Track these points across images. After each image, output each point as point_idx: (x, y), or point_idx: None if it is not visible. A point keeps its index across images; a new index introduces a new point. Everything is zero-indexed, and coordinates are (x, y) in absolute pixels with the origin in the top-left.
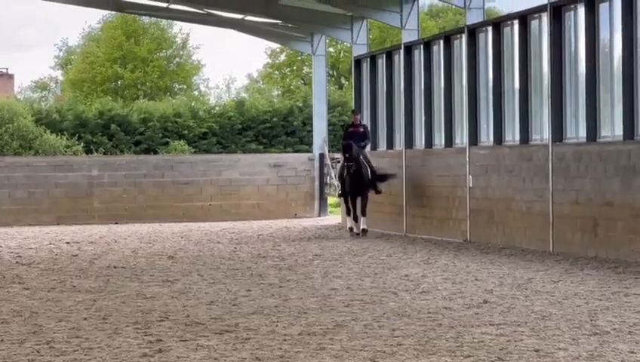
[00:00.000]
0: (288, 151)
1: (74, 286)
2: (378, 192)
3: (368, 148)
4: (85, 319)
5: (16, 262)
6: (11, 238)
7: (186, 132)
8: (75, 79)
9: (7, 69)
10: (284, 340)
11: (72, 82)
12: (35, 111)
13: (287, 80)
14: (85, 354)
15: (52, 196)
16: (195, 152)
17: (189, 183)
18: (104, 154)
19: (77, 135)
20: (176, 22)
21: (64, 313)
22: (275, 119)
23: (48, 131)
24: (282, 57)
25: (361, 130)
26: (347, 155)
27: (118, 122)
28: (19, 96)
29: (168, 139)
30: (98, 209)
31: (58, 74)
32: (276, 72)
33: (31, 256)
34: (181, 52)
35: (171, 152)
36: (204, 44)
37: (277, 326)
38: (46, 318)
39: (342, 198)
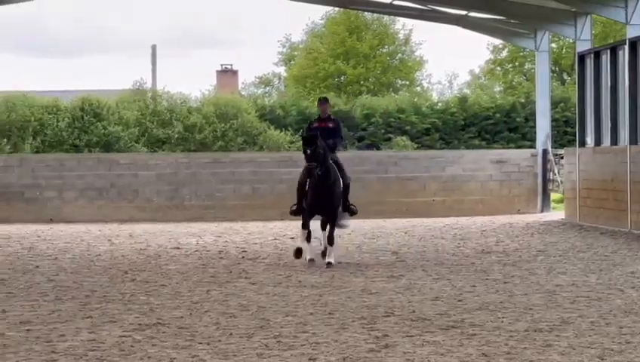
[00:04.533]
0: (511, 147)
1: (299, 282)
2: (352, 213)
3: (339, 150)
4: (311, 314)
5: (242, 257)
6: (236, 233)
7: (408, 128)
8: (299, 75)
9: (231, 65)
10: (510, 336)
11: (295, 78)
12: (259, 107)
13: (510, 76)
14: (313, 349)
15: (276, 191)
16: (417, 148)
17: (412, 179)
18: None
19: (300, 130)
20: (399, 18)
21: (290, 308)
22: (497, 115)
23: (272, 127)
24: (504, 53)
25: (331, 125)
26: (309, 152)
27: (342, 118)
28: (243, 92)
29: (391, 135)
30: None
31: (281, 70)
32: (498, 68)
33: (256, 251)
34: (403, 48)
35: (394, 148)
36: (427, 40)
37: (502, 322)
38: (273, 313)
39: (298, 215)
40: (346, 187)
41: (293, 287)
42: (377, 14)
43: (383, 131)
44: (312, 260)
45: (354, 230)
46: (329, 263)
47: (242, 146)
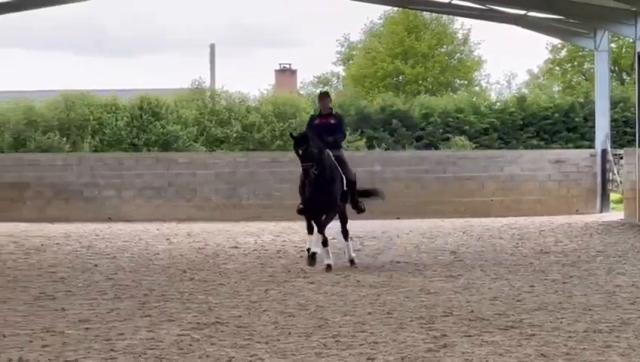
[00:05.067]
0: (569, 147)
1: (358, 281)
2: (360, 211)
3: (343, 146)
4: (370, 313)
5: (301, 257)
6: (295, 233)
7: (467, 127)
8: (357, 74)
9: (290, 64)
10: (570, 337)
11: (354, 77)
12: (318, 107)
13: (568, 76)
14: (371, 349)
15: None
16: (476, 148)
17: (470, 179)
18: (386, 149)
19: (359, 130)
20: (457, 17)
21: (349, 307)
22: (556, 115)
23: None
24: (563, 53)
25: (332, 121)
26: (301, 153)
27: (400, 117)
28: (301, 92)
29: (449, 135)
30: (380, 203)
31: (340, 69)
32: (557, 68)
33: None
34: (462, 48)
35: (452, 148)
36: (485, 39)
37: (561, 322)
38: (331, 312)
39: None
40: (351, 183)
41: (351, 287)
42: (436, 14)
43: (441, 131)
44: (314, 254)
45: (412, 230)
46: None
47: None
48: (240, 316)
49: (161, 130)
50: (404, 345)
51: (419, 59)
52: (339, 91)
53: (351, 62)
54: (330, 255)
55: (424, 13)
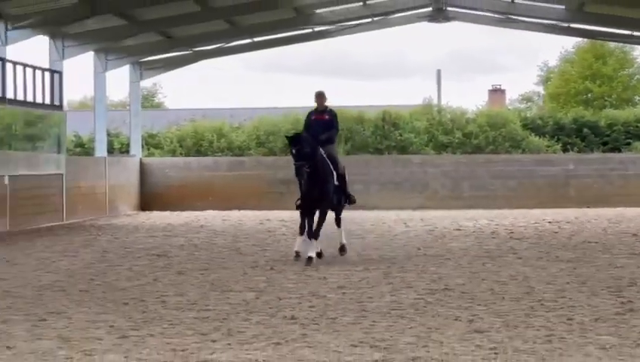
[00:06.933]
0: None
1: (557, 257)
2: (351, 201)
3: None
4: (568, 283)
5: (510, 237)
6: (505, 218)
7: None
8: (554, 93)
9: (500, 85)
10: None
11: (551, 95)
12: (522, 119)
13: None
14: (569, 311)
15: (536, 185)
16: None
17: None
18: (577, 152)
19: (555, 137)
20: (637, 46)
21: (550, 278)
22: None
23: (533, 134)
24: None
25: (327, 117)
26: (294, 152)
27: (589, 127)
28: (509, 107)
29: (630, 140)
30: (573, 196)
31: (540, 89)
32: None
33: (521, 232)
34: None
35: (633, 151)
36: None
37: None
38: (536, 282)
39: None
40: (341, 177)
41: (551, 261)
42: (620, 43)
43: (623, 137)
44: (310, 258)
45: (599, 216)
46: (309, 258)
47: (508, 150)
48: (463, 284)
49: (399, 137)
50: (597, 309)
51: (605, 80)
52: (540, 106)
53: (549, 82)
54: (311, 248)
55: (609, 43)
